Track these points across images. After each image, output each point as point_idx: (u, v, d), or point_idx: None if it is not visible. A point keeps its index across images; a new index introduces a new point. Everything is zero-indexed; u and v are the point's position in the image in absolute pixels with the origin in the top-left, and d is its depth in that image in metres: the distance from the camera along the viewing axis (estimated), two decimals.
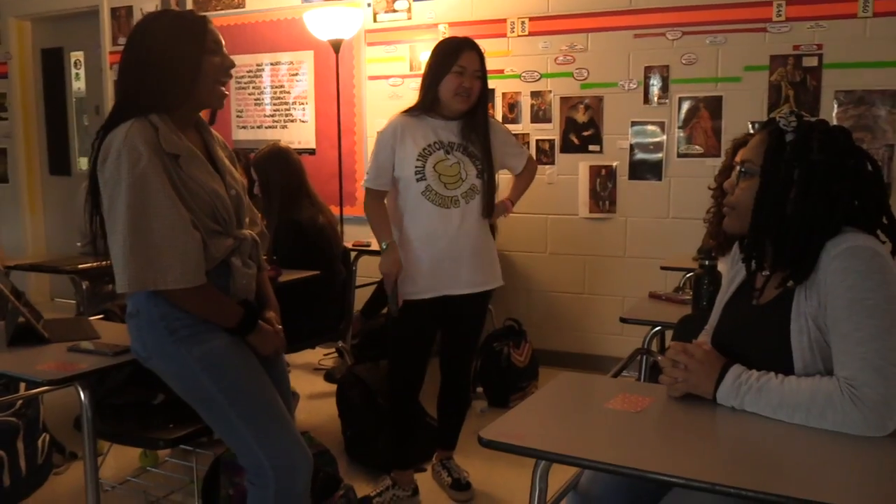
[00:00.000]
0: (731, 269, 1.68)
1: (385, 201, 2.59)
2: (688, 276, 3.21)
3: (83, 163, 5.83)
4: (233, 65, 1.84)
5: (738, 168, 1.45)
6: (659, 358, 1.50)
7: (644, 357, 2.13)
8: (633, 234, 4.11)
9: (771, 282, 1.47)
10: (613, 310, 4.20)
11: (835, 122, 3.61)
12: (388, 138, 2.50)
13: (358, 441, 3.03)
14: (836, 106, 3.66)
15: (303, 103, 4.81)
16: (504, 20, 4.22)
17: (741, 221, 1.46)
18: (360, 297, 4.07)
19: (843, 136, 1.38)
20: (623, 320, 2.20)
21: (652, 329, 2.25)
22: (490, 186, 2.54)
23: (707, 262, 2.12)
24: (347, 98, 4.57)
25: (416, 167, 2.47)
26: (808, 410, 1.31)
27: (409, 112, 2.54)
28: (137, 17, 5.20)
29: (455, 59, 2.44)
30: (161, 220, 1.64)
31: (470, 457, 2.95)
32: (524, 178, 2.76)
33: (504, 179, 2.94)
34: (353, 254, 3.95)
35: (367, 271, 4.20)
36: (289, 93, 4.84)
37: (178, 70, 1.73)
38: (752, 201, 1.42)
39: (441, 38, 4.31)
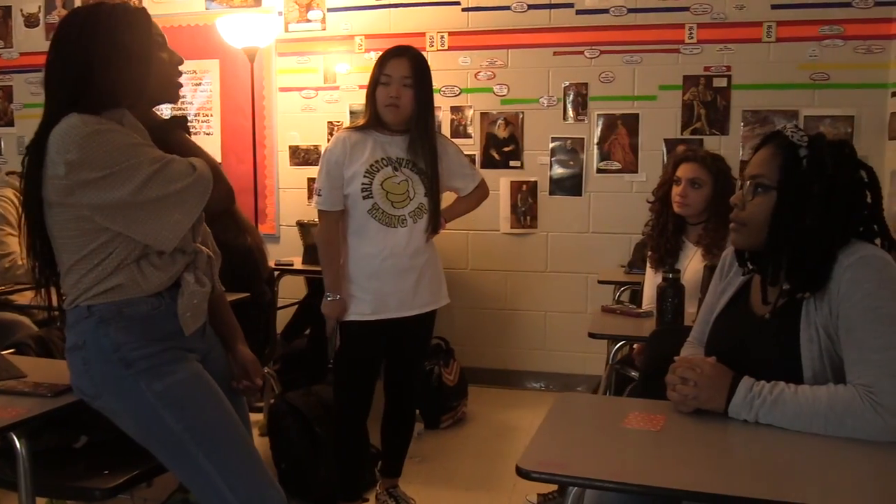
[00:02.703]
0: (720, 280, 1.68)
1: None
2: (623, 289, 3.26)
3: None
4: (181, 60, 1.68)
5: (747, 183, 1.45)
6: (667, 377, 1.46)
7: (613, 372, 2.11)
8: (554, 249, 4.14)
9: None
10: (536, 325, 4.22)
11: (740, 140, 3.85)
12: (337, 155, 2.36)
13: (294, 473, 2.83)
14: (742, 125, 3.85)
15: (207, 115, 4.53)
16: (423, 34, 4.15)
17: (753, 237, 1.46)
18: (281, 319, 3.86)
19: (850, 149, 1.41)
20: (591, 335, 2.17)
21: (616, 344, 2.24)
22: (436, 204, 2.45)
23: (671, 276, 2.13)
24: (257, 110, 4.35)
25: (364, 184, 2.35)
26: (827, 419, 1.32)
27: (356, 127, 2.43)
28: (17, 18, 4.72)
29: (381, 68, 2.36)
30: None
31: (412, 483, 2.83)
32: (468, 201, 2.64)
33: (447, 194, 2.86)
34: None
35: (289, 292, 4.00)
36: (191, 104, 4.55)
37: (128, 65, 1.54)
38: (767, 216, 1.42)
39: (356, 51, 4.28)
